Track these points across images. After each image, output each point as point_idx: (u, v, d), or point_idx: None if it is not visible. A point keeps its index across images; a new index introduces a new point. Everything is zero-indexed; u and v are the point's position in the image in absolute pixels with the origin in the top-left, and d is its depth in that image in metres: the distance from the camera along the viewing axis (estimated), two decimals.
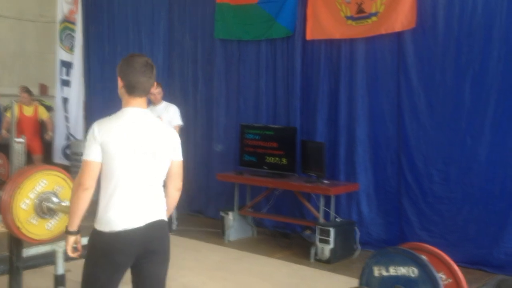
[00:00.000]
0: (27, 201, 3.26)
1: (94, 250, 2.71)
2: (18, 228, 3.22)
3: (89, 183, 2.64)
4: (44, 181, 3.35)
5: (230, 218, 6.55)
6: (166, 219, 2.85)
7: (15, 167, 3.24)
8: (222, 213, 6.64)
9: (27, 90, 8.96)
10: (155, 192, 2.79)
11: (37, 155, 8.75)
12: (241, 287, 5.08)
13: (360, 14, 6.15)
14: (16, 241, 3.30)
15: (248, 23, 7.18)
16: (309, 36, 6.56)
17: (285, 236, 6.67)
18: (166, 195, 2.88)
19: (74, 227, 2.75)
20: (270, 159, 6.52)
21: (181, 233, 6.66)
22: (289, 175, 6.36)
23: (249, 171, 6.71)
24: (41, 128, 9.08)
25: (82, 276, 2.74)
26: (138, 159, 2.69)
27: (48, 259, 3.75)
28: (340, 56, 6.42)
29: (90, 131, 2.70)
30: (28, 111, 8.84)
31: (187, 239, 6.53)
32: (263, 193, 6.70)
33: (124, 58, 2.82)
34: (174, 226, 6.72)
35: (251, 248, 6.22)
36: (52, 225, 3.42)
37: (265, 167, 6.56)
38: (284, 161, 6.40)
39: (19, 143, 3.26)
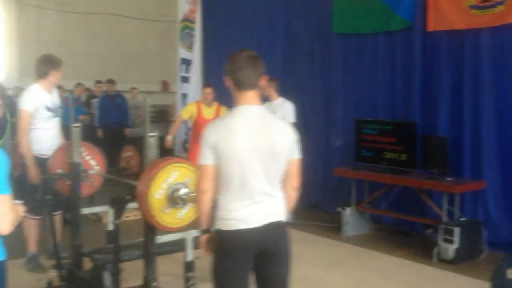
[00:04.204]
0: (161, 191, 3.43)
1: (216, 249, 2.73)
2: (153, 216, 3.40)
3: (205, 186, 2.69)
4: (176, 173, 3.50)
5: (348, 213, 6.50)
6: (285, 220, 2.78)
7: (149, 160, 3.42)
8: (339, 208, 6.60)
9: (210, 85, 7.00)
10: (274, 192, 2.73)
11: None
12: (362, 283, 5.03)
13: (486, 3, 5.85)
14: (150, 229, 3.49)
15: (366, 15, 7.08)
16: (430, 27, 6.32)
17: (404, 234, 6.51)
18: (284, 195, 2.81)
19: (203, 226, 2.80)
20: (389, 155, 6.38)
21: (297, 226, 6.71)
22: (408, 171, 6.18)
23: (366, 167, 6.61)
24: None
25: (211, 273, 2.75)
26: (257, 159, 2.63)
27: (178, 246, 3.95)
28: (463, 47, 6.13)
29: (203, 135, 2.71)
30: (208, 113, 6.76)
31: (303, 232, 6.56)
32: (381, 189, 6.57)
33: (229, 56, 2.78)
34: (290, 220, 6.78)
35: (369, 245, 6.13)
36: (183, 215, 3.57)
37: (383, 163, 6.43)
38: (403, 156, 6.23)
39: (152, 137, 3.44)
